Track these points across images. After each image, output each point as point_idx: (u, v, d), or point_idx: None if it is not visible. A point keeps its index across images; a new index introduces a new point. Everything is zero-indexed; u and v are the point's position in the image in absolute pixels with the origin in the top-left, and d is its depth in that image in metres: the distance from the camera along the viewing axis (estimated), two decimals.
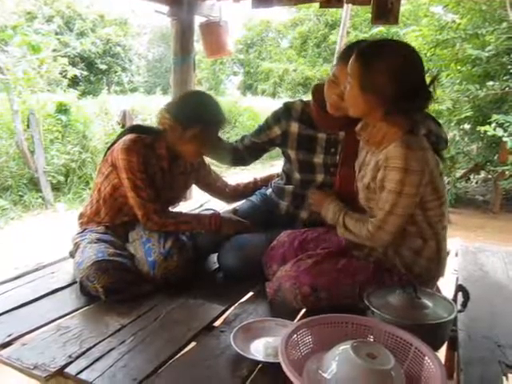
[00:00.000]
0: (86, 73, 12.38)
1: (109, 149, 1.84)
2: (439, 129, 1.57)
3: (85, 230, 1.84)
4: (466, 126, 6.02)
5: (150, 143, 1.80)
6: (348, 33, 7.68)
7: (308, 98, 1.92)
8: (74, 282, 1.71)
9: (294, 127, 1.88)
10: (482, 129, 5.02)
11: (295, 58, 12.55)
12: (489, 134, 4.95)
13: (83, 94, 11.25)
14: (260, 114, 10.89)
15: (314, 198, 1.77)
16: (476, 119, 5.61)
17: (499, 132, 4.83)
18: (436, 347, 1.23)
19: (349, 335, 1.20)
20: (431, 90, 1.38)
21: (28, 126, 5.89)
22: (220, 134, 1.97)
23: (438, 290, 1.72)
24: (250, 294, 1.72)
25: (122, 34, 14.34)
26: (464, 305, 1.30)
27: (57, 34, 10.86)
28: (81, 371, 1.19)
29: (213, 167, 2.21)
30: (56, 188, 6.07)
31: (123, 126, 7.07)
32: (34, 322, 1.44)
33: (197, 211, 2.20)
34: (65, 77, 9.66)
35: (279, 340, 1.13)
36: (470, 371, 1.25)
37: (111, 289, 1.56)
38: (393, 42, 1.49)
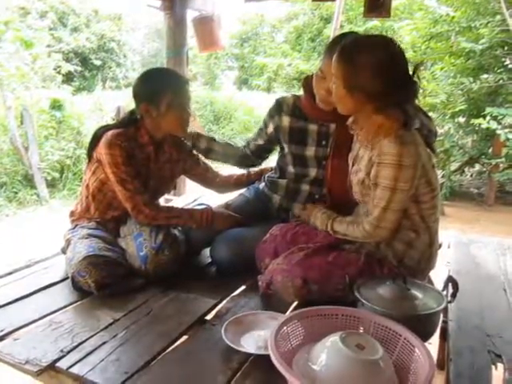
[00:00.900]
0: (80, 68, 12.33)
1: (90, 147, 1.84)
2: (430, 122, 1.58)
3: (76, 226, 1.85)
4: (461, 119, 6.03)
5: (132, 134, 1.80)
6: (342, 27, 7.66)
7: (302, 92, 1.93)
8: (66, 278, 1.71)
9: (286, 121, 1.89)
10: (476, 122, 5.04)
11: (290, 53, 12.50)
12: (483, 126, 4.97)
13: (78, 89, 11.21)
14: (255, 108, 10.88)
15: (301, 213, 1.79)
16: (470, 112, 5.62)
17: (493, 125, 4.85)
18: (425, 338, 1.24)
19: (339, 327, 1.20)
20: (416, 79, 1.38)
21: (22, 123, 5.86)
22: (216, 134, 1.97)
23: (431, 282, 1.73)
24: (243, 287, 1.72)
25: (117, 29, 14.26)
26: (453, 296, 1.31)
27: (50, 29, 10.80)
28: (72, 365, 1.19)
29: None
30: (51, 184, 6.05)
31: None
32: (27, 317, 1.45)
33: (189, 206, 2.19)
34: (59, 73, 9.62)
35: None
36: (460, 361, 1.26)
37: (103, 283, 1.57)
38: (373, 37, 1.50)
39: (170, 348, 1.30)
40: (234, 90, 13.37)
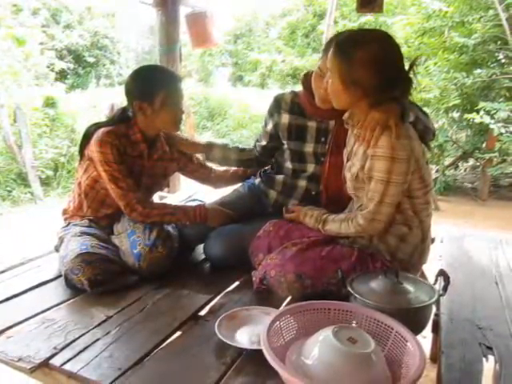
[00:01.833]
0: (73, 66, 12.26)
1: (82, 145, 1.83)
2: (427, 119, 1.58)
3: (69, 224, 1.84)
4: (454, 114, 6.06)
5: (123, 132, 1.79)
6: (336, 22, 7.65)
7: (298, 88, 1.92)
8: (60, 276, 1.70)
9: (285, 118, 1.88)
10: (470, 116, 5.06)
11: (284, 49, 12.48)
12: (476, 121, 4.99)
13: (71, 87, 11.15)
14: (250, 105, 10.86)
15: (289, 217, 1.77)
16: (464, 107, 5.65)
17: (486, 119, 4.87)
18: (417, 331, 1.25)
19: (331, 321, 1.21)
20: (411, 75, 1.39)
21: (15, 121, 5.83)
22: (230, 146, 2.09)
23: (424, 276, 1.75)
24: (236, 283, 1.73)
25: (110, 26, 14.17)
26: (445, 289, 1.32)
27: (43, 26, 10.72)
28: (66, 362, 1.19)
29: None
30: (45, 183, 6.02)
31: None
32: (20, 315, 1.44)
33: (184, 203, 2.19)
34: (52, 70, 9.57)
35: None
36: (451, 353, 1.27)
37: (96, 281, 1.56)
38: (368, 31, 1.50)
39: (164, 344, 1.30)
40: (229, 86, 13.33)
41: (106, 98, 8.00)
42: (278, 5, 13.91)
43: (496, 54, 5.50)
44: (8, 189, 5.57)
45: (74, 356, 1.22)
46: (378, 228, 1.46)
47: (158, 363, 1.21)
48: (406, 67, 1.41)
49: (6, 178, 5.65)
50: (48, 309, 1.49)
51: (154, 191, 2.04)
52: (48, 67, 9.53)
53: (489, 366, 1.24)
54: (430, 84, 5.49)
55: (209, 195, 2.37)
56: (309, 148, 1.86)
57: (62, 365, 1.18)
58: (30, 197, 5.63)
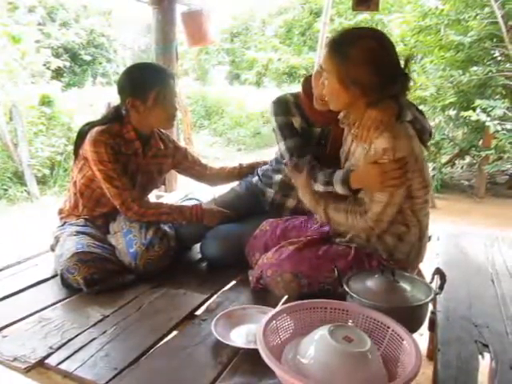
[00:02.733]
0: (70, 64, 12.20)
1: (76, 144, 1.83)
2: (424, 119, 1.57)
3: (64, 223, 1.84)
4: (451, 112, 6.07)
5: (117, 130, 1.79)
6: (332, 20, 7.65)
7: (294, 87, 1.88)
8: (56, 275, 1.70)
9: (297, 121, 1.79)
10: (466, 114, 5.07)
11: (280, 47, 12.46)
12: (472, 119, 5.00)
13: (68, 85, 11.10)
14: (247, 103, 10.85)
15: (291, 175, 1.68)
16: (460, 105, 5.66)
17: (482, 117, 4.88)
18: (413, 329, 1.25)
19: (327, 320, 1.21)
20: (407, 72, 1.38)
21: (11, 119, 5.80)
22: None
23: (420, 274, 1.75)
24: (233, 282, 1.72)
25: (107, 24, 14.11)
26: (441, 287, 1.32)
27: (39, 24, 10.67)
28: (61, 362, 1.19)
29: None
30: (41, 181, 6.00)
31: None
32: (16, 314, 1.44)
33: (180, 202, 2.19)
34: (48, 68, 9.52)
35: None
36: (447, 351, 1.27)
37: (92, 280, 1.56)
38: (361, 29, 1.49)
39: (160, 343, 1.30)
40: (226, 84, 13.31)
41: (102, 97, 7.98)
42: (275, 3, 13.89)
43: (492, 52, 5.50)
44: (4, 187, 5.54)
45: (70, 355, 1.22)
46: (382, 227, 1.46)
47: (154, 363, 1.20)
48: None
49: (2, 176, 5.63)
50: (44, 308, 1.49)
51: (150, 189, 2.04)
52: (44, 65, 9.48)
53: (485, 363, 1.25)
54: (427, 82, 5.50)
55: (205, 194, 2.37)
56: (309, 150, 1.84)
57: (58, 364, 1.18)
58: (26, 195, 5.61)
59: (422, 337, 1.73)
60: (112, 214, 1.86)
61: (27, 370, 1.17)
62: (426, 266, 1.78)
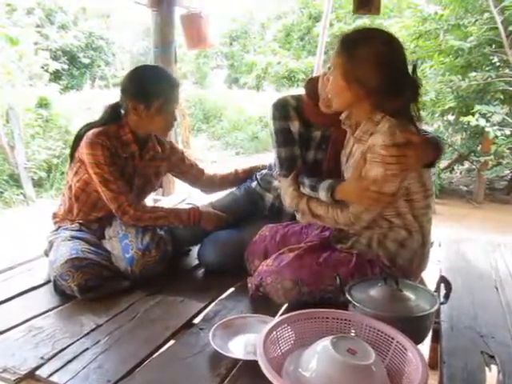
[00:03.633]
0: (68, 67, 12.18)
1: (73, 147, 1.79)
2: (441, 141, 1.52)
3: (59, 228, 1.80)
4: (450, 117, 6.06)
5: (114, 132, 1.75)
6: (332, 25, 7.64)
7: (293, 91, 1.85)
8: (49, 281, 1.65)
9: (295, 126, 1.75)
10: (465, 119, 5.05)
11: (279, 51, 12.47)
12: (472, 124, 4.98)
13: (66, 88, 11.06)
14: (245, 107, 10.84)
15: (279, 184, 1.69)
16: (459, 110, 5.64)
17: (482, 122, 4.87)
18: (418, 340, 1.21)
19: (329, 330, 1.17)
20: (415, 78, 1.34)
21: (7, 121, 5.76)
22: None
23: (423, 282, 1.71)
24: (232, 289, 1.68)
25: (105, 27, 14.10)
26: (446, 296, 1.28)
27: (38, 26, 10.64)
28: (53, 373, 1.14)
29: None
30: (38, 184, 5.95)
31: None
32: (6, 322, 1.38)
33: (177, 206, 2.14)
34: (46, 71, 9.49)
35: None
36: (453, 363, 1.23)
37: (86, 286, 1.52)
38: (375, 30, 1.46)
39: (156, 354, 1.25)
40: (224, 88, 13.30)
41: (100, 100, 7.95)
42: (274, 7, 13.92)
43: (491, 57, 5.49)
44: (0, 190, 5.49)
45: (62, 367, 1.17)
46: (363, 225, 1.43)
47: (150, 374, 1.16)
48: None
49: None
50: (36, 316, 1.44)
51: (147, 192, 1.99)
52: (42, 68, 9.45)
53: (492, 375, 1.21)
54: (426, 87, 5.48)
55: (203, 199, 2.32)
56: (310, 155, 1.80)
57: (49, 376, 1.13)
58: (22, 198, 5.55)
59: (422, 346, 1.69)
60: (108, 219, 1.81)
61: (17, 382, 1.12)
62: (427, 272, 1.74)
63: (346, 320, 1.19)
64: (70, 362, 1.19)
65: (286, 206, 1.57)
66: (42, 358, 1.20)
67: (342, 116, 1.50)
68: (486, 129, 4.90)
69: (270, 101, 1.82)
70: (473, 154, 5.82)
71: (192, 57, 14.04)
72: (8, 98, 5.99)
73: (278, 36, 13.45)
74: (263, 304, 1.52)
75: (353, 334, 1.17)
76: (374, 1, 2.76)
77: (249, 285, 1.59)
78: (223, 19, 13.94)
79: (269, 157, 2.02)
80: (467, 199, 5.94)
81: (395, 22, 6.43)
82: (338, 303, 1.35)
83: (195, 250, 1.90)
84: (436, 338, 1.45)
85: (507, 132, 5.02)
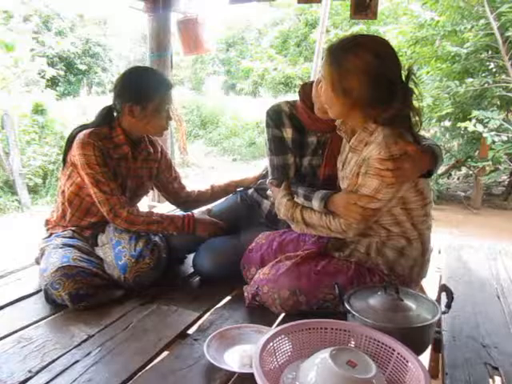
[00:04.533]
0: (65, 73, 12.16)
1: (65, 150, 1.76)
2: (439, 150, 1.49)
3: (51, 235, 1.76)
4: (447, 123, 6.05)
5: (106, 133, 1.72)
6: (328, 31, 7.65)
7: (289, 97, 1.82)
8: (40, 290, 1.61)
9: (288, 132, 1.73)
10: (463, 125, 5.05)
11: (275, 57, 12.48)
12: (469, 129, 4.97)
13: (62, 94, 11.04)
14: (242, 113, 10.83)
15: (271, 194, 1.67)
16: (456, 116, 5.64)
17: (479, 128, 4.86)
18: (420, 351, 1.17)
19: (328, 341, 1.13)
20: (410, 85, 1.31)
21: (2, 127, 5.72)
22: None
23: (422, 290, 1.67)
24: (228, 298, 1.64)
25: (102, 33, 14.11)
26: (448, 306, 1.24)
27: (35, 33, 10.63)
28: None
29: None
30: (33, 190, 5.91)
31: None
32: None
33: (172, 213, 2.10)
34: (43, 77, 9.46)
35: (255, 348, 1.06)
36: (456, 375, 1.19)
37: (78, 295, 1.48)
38: (364, 38, 1.39)
39: (148, 366, 1.21)
40: (221, 94, 13.30)
41: (97, 106, 7.90)
42: (270, 14, 13.96)
43: (488, 63, 5.50)
44: None
45: (50, 380, 1.13)
46: (355, 233, 1.39)
47: None
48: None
49: None
50: (25, 327, 1.40)
51: (140, 195, 1.95)
52: (39, 74, 9.42)
53: None
54: (423, 92, 5.48)
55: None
56: (305, 161, 1.77)
57: None
58: (16, 205, 5.51)
59: (423, 355, 1.65)
60: (101, 225, 1.77)
61: None
62: (427, 280, 1.71)
63: (345, 331, 1.15)
64: (59, 375, 1.15)
65: (280, 217, 1.54)
66: (30, 371, 1.16)
67: (338, 122, 1.47)
68: (484, 134, 4.89)
69: (267, 107, 1.80)
70: (470, 159, 5.81)
71: (189, 63, 14.05)
72: (3, 104, 5.96)
73: (274, 42, 13.48)
74: (260, 313, 1.48)
75: (352, 346, 1.13)
76: (370, 5, 2.74)
77: (245, 294, 1.55)
78: (219, 25, 13.98)
79: (266, 163, 1.99)
80: (465, 205, 5.92)
81: (392, 28, 6.43)
82: (337, 313, 1.32)
83: (190, 257, 1.86)
84: (437, 348, 1.41)
85: (504, 138, 5.01)
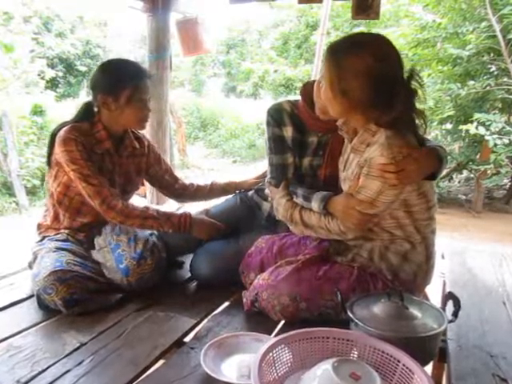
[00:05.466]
0: (65, 74, 12.14)
1: (49, 151, 1.72)
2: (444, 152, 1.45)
3: (43, 238, 1.71)
4: (448, 126, 6.01)
5: (87, 130, 1.68)
6: (329, 33, 7.63)
7: (292, 98, 1.78)
8: (32, 295, 1.56)
9: (288, 131, 1.69)
10: (464, 128, 5.01)
11: (276, 59, 12.45)
12: (471, 132, 4.93)
13: (62, 96, 11.02)
14: (242, 115, 10.81)
15: (269, 193, 1.66)
16: (458, 118, 5.61)
17: (481, 130, 4.82)
18: (425, 362, 1.13)
19: (330, 351, 1.09)
20: (414, 86, 1.26)
21: (0, 129, 5.68)
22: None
23: (426, 297, 1.63)
24: (226, 304, 1.59)
25: (102, 35, 14.11)
26: (455, 314, 1.20)
27: (35, 34, 10.62)
28: None
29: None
30: (31, 192, 5.87)
31: None
32: None
33: None
34: (43, 78, 9.44)
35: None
36: None
37: (71, 300, 1.43)
38: (362, 36, 1.36)
39: (143, 376, 1.16)
40: (221, 96, 13.28)
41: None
42: (271, 15, 13.94)
43: (489, 66, 5.46)
44: None
45: None
46: (355, 234, 1.37)
47: None
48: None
49: None
50: (15, 334, 1.35)
51: (130, 190, 1.89)
52: (39, 75, 9.40)
53: None
54: (424, 95, 5.44)
55: (198, 208, 2.23)
56: (306, 161, 1.73)
57: None
58: (14, 206, 5.46)
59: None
60: (96, 226, 1.72)
61: None
62: (431, 286, 1.66)
63: (347, 340, 1.11)
64: None
65: (279, 218, 1.50)
66: (18, 381, 1.11)
67: (339, 122, 1.43)
68: (486, 137, 4.85)
69: (267, 108, 1.76)
70: (471, 162, 5.77)
71: (189, 64, 14.03)
72: (1, 105, 5.92)
73: (275, 44, 13.45)
74: (259, 320, 1.43)
75: (355, 356, 1.08)
76: (372, 6, 2.70)
77: (244, 300, 1.51)
78: (219, 26, 13.98)
79: (266, 165, 1.94)
80: (466, 208, 5.88)
81: (393, 30, 6.39)
82: (339, 320, 1.27)
83: (188, 262, 1.81)
84: (441, 357, 1.36)
85: (506, 141, 4.97)
